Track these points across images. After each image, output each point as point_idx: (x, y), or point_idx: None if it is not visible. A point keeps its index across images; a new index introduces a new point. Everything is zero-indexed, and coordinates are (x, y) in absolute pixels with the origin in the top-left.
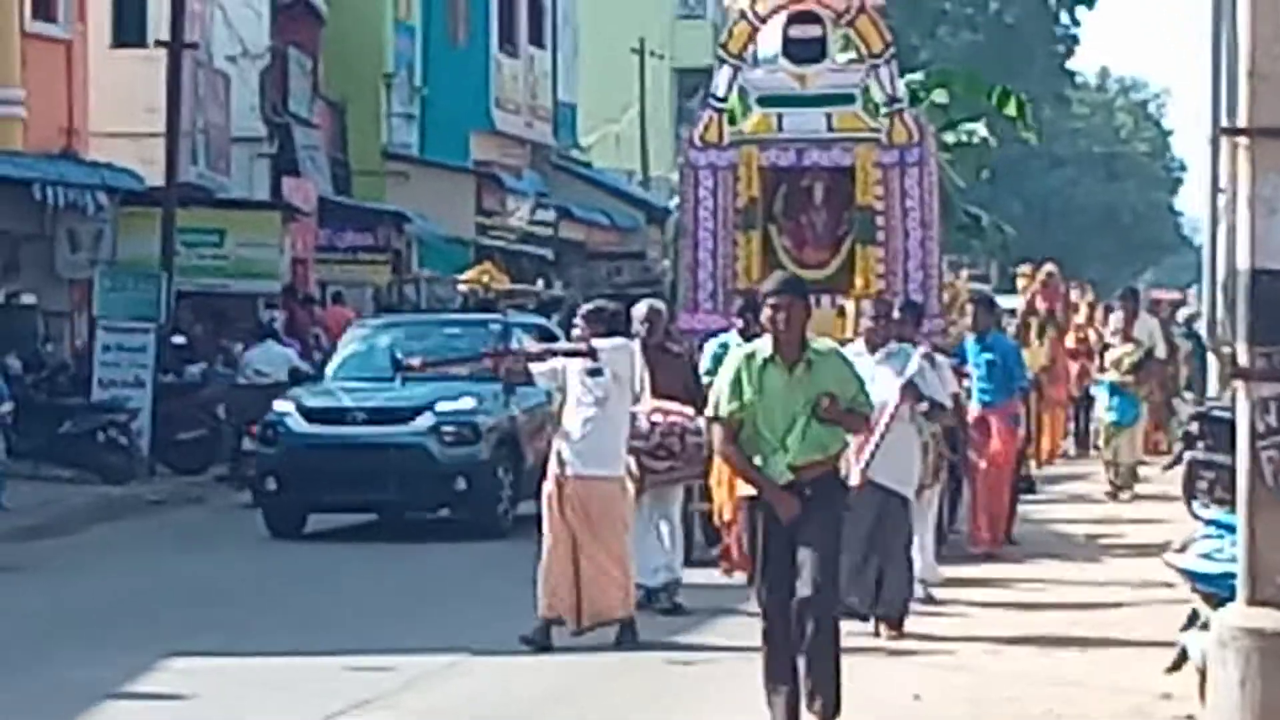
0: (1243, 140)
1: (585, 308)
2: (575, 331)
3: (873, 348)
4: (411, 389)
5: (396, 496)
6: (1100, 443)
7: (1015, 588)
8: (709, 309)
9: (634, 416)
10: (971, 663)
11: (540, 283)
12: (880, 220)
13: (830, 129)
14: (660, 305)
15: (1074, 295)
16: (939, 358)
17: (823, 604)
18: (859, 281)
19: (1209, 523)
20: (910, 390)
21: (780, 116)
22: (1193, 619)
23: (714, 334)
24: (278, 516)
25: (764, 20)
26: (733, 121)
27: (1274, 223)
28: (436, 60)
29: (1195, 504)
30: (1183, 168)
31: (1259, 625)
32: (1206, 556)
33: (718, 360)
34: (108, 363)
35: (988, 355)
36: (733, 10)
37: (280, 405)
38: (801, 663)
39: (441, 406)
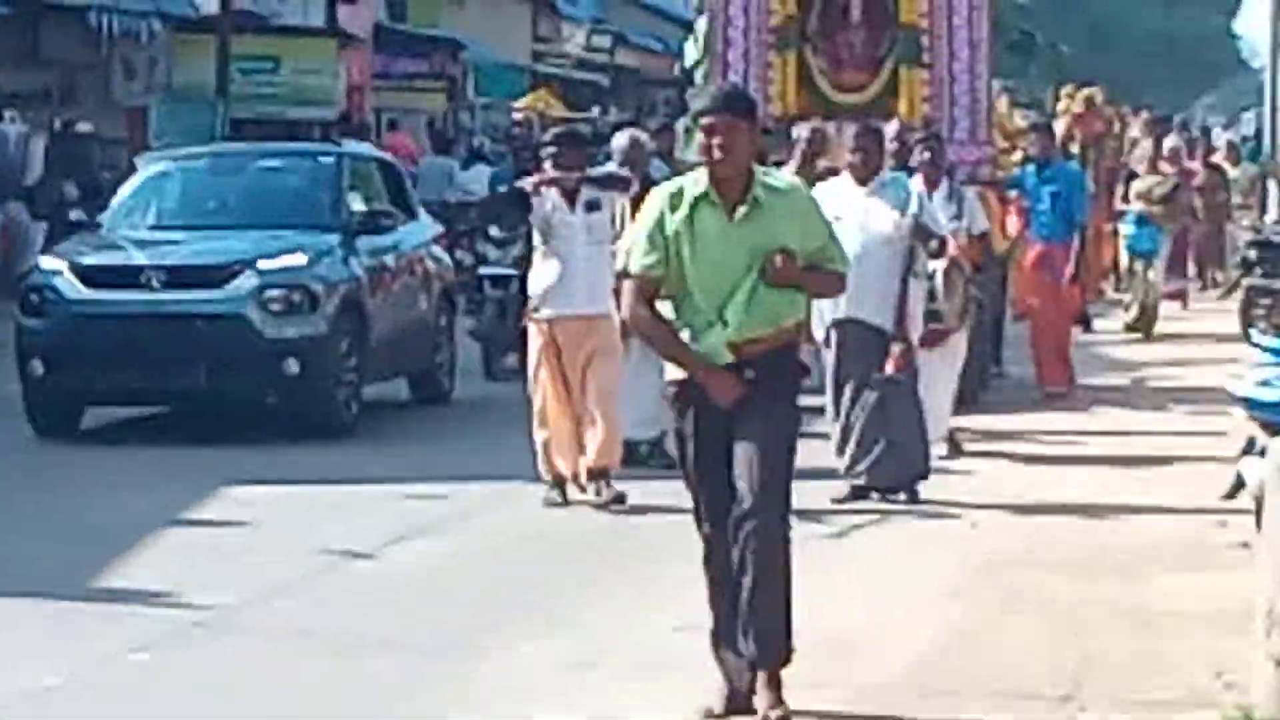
0: None
1: (557, 132)
2: (548, 162)
3: (861, 180)
4: (225, 241)
5: (206, 383)
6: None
7: (1067, 430)
8: None
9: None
10: (1028, 496)
11: (596, 109)
12: (925, 40)
13: None
14: (642, 135)
15: (1130, 120)
16: (968, 191)
17: (765, 523)
18: (903, 106)
19: (1266, 349)
20: (920, 232)
21: None
22: (1250, 446)
23: None
24: (46, 410)
25: None
26: None
27: None
28: None
29: (1253, 331)
30: None
31: None
32: (1264, 384)
33: None
34: None
35: (1050, 186)
36: None
37: (48, 262)
38: (742, 595)
39: (266, 264)
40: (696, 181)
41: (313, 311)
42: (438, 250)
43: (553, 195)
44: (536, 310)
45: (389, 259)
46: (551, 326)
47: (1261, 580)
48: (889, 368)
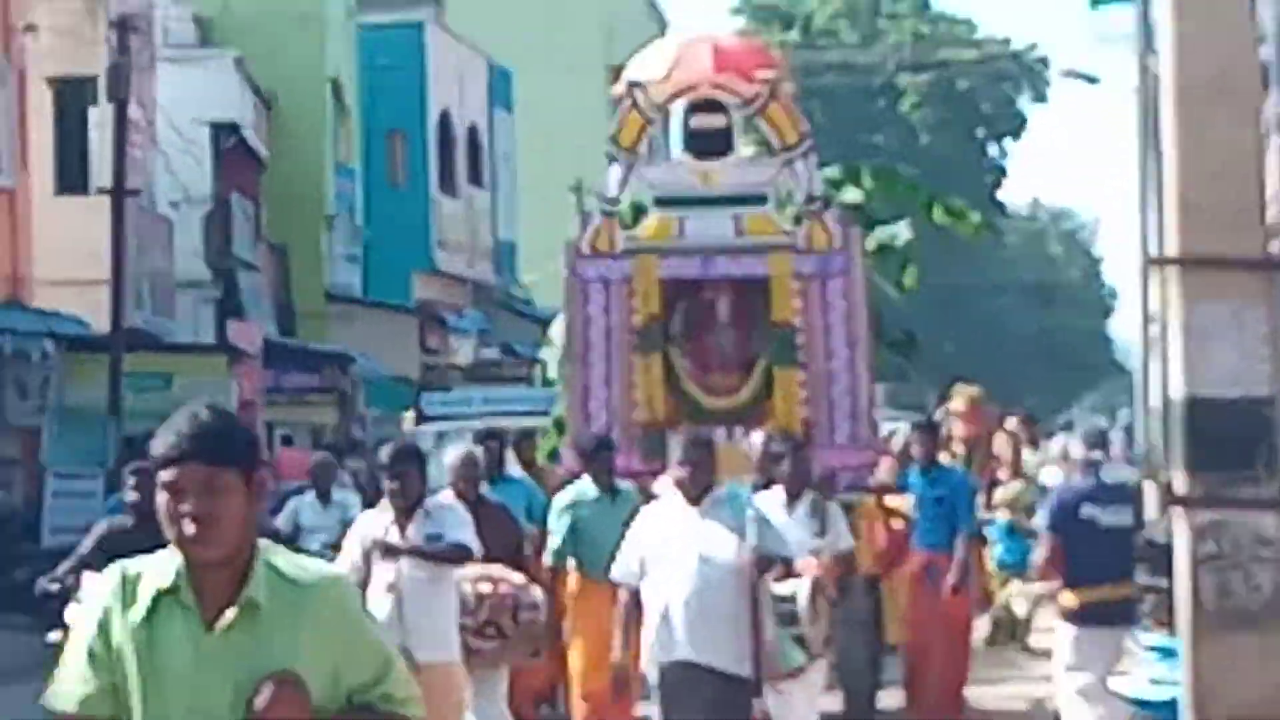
0: (1173, 269)
1: (390, 451)
2: (387, 495)
3: (692, 500)
4: None
5: None
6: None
7: None
8: None
9: (457, 585)
10: None
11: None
12: (800, 339)
13: (740, 233)
14: (475, 453)
15: (1009, 424)
16: (831, 505)
17: None
18: (779, 409)
19: (1153, 649)
20: (762, 563)
21: (682, 220)
22: None
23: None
24: None
25: (659, 110)
26: (626, 226)
27: (1207, 351)
28: (377, 201)
29: (1137, 629)
30: (1113, 295)
31: None
32: (1151, 682)
33: (568, 510)
34: (58, 509)
35: (935, 491)
36: (622, 99)
37: None
38: None
39: None
40: (162, 569)
41: None
42: None
43: (385, 522)
44: None
45: None
46: None
47: None
48: None
